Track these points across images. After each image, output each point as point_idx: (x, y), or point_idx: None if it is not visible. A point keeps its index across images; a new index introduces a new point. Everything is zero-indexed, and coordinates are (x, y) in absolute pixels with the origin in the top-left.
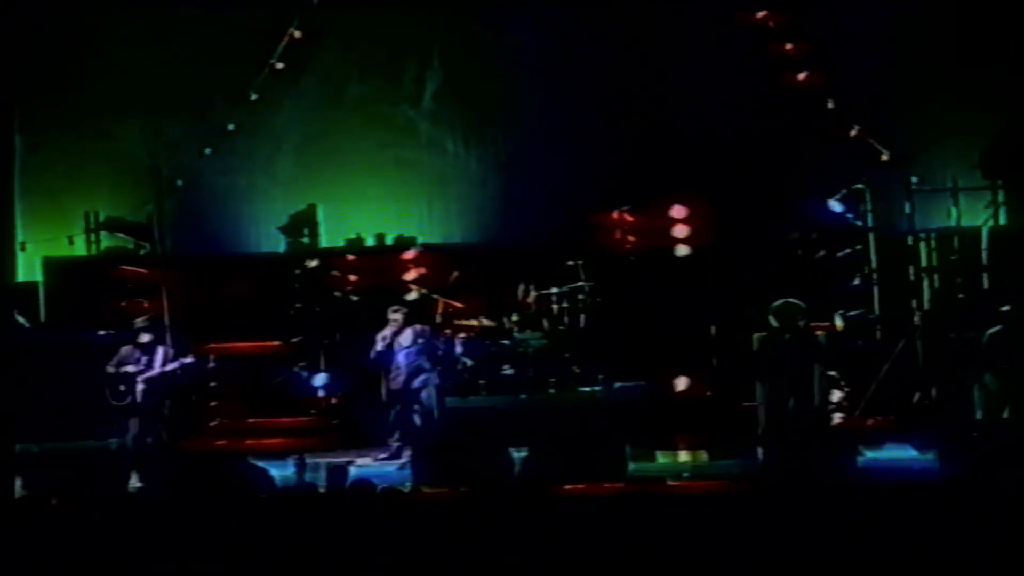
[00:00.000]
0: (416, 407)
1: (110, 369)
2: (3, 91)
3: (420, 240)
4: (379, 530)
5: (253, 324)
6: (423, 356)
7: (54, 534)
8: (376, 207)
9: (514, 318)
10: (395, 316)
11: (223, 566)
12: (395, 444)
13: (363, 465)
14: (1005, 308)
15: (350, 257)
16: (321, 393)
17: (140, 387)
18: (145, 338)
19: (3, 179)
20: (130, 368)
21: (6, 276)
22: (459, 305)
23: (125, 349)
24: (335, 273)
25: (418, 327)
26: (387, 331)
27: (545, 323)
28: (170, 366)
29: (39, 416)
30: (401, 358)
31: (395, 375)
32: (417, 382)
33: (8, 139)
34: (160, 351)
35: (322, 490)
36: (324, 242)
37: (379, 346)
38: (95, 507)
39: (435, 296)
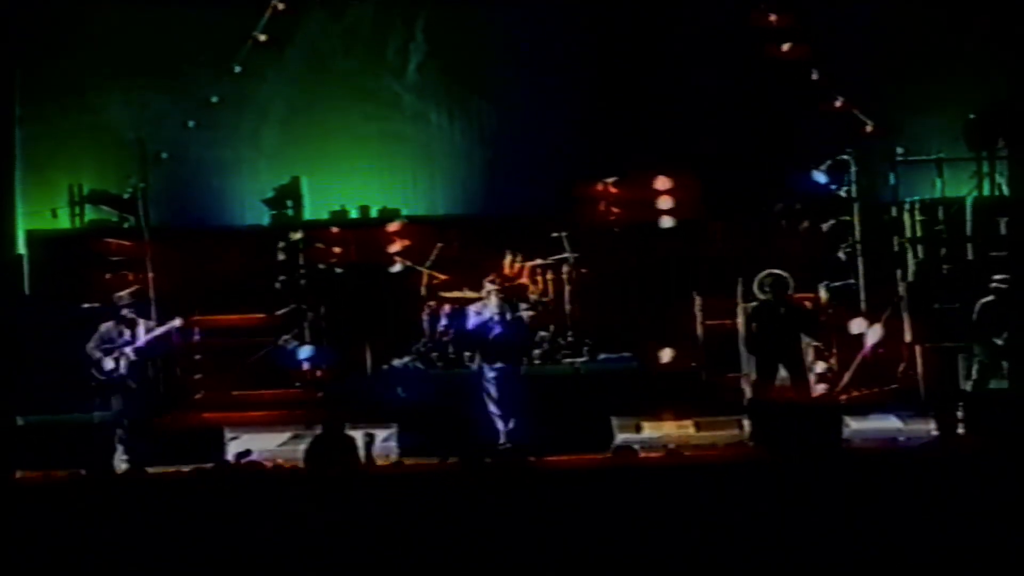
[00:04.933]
0: (502, 380)
1: (93, 344)
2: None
3: (404, 212)
4: (365, 503)
5: (238, 297)
6: (512, 330)
7: (42, 508)
8: (361, 179)
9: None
10: (490, 288)
11: (211, 542)
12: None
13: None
14: (999, 278)
15: (334, 229)
16: (306, 366)
17: (128, 360)
18: (127, 312)
19: (4, 153)
20: (116, 341)
21: (6, 249)
22: (443, 277)
23: (105, 325)
24: (319, 245)
25: (503, 299)
26: (479, 305)
27: (530, 295)
28: (158, 331)
29: (25, 390)
30: (493, 331)
31: (486, 349)
32: (505, 357)
33: (8, 112)
34: (142, 323)
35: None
36: (308, 214)
37: (473, 320)
38: (82, 481)
39: (419, 268)
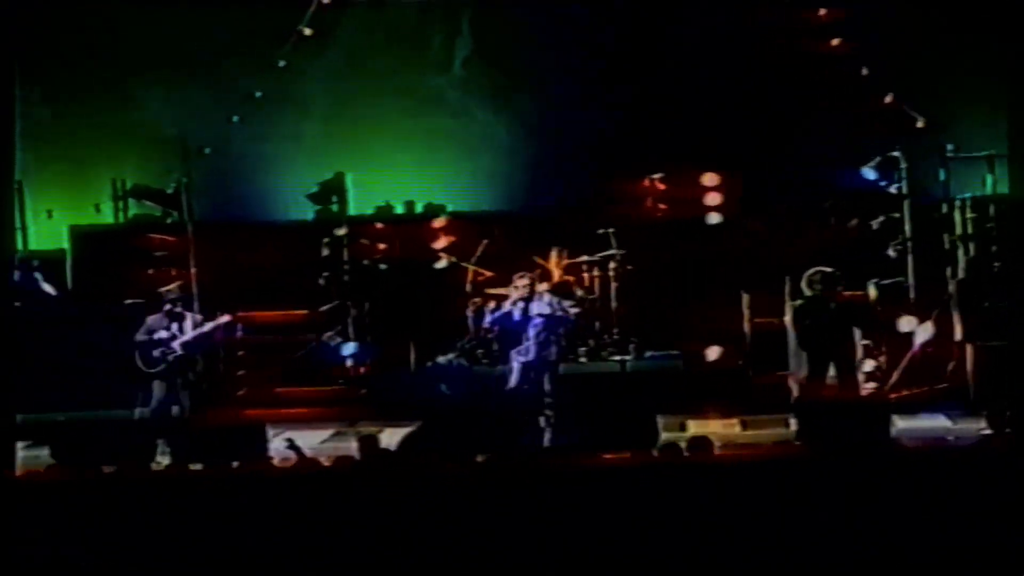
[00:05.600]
0: (546, 376)
1: (140, 337)
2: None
3: (449, 208)
4: (400, 502)
5: (281, 292)
6: (554, 326)
7: (80, 504)
8: (405, 175)
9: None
10: (522, 283)
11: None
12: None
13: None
14: None
15: (379, 225)
16: (349, 363)
17: (175, 353)
18: (172, 307)
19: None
20: (162, 335)
21: (7, 246)
22: (488, 273)
23: (152, 318)
24: (364, 241)
25: (550, 296)
26: (516, 298)
27: (577, 291)
28: (207, 326)
29: (65, 385)
30: (532, 327)
31: (525, 345)
32: (547, 353)
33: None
34: (189, 317)
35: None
36: (353, 210)
37: (515, 314)
38: (121, 477)
39: (464, 264)
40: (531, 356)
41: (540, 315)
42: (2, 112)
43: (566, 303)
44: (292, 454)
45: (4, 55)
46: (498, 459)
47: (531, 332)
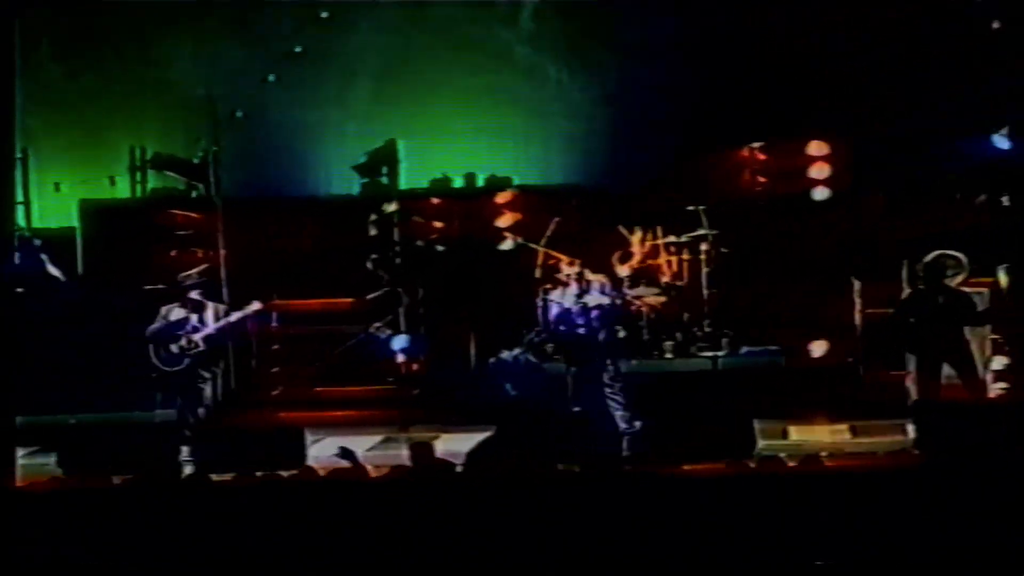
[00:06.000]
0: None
1: (156, 329)
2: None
3: (516, 181)
4: (466, 512)
5: (323, 278)
6: (608, 315)
7: (90, 520)
8: (466, 143)
9: (625, 272)
10: (571, 270)
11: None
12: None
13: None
14: None
15: (435, 200)
16: (400, 358)
17: (198, 348)
18: (194, 294)
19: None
20: (182, 327)
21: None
22: (561, 257)
23: (169, 307)
24: (417, 219)
25: (602, 282)
26: (564, 288)
27: (662, 278)
28: (234, 317)
29: (73, 383)
30: (585, 318)
31: (578, 339)
32: (604, 347)
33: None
34: (211, 308)
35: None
36: (405, 183)
37: (566, 304)
38: (139, 488)
39: (533, 246)
40: (592, 354)
41: (598, 307)
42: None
43: (630, 290)
44: (344, 462)
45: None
46: (580, 468)
47: (587, 328)
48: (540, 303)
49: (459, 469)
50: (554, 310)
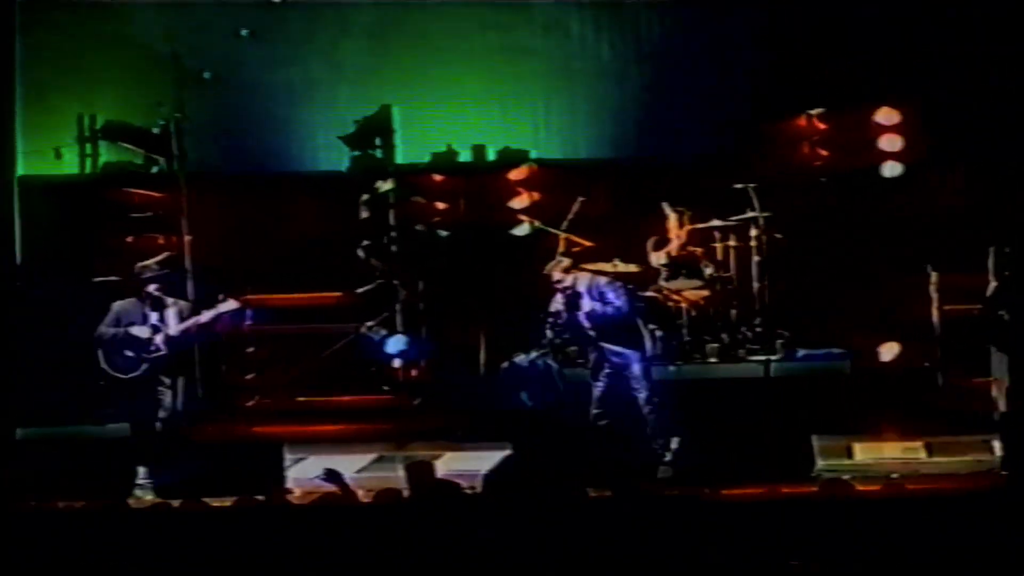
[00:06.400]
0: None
1: (106, 331)
2: None
3: (534, 155)
4: (475, 546)
5: (305, 269)
6: (641, 312)
7: (30, 552)
8: (474, 110)
9: (662, 261)
10: (562, 265)
11: None
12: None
13: None
14: None
15: (437, 177)
16: (397, 362)
17: (156, 352)
18: (153, 288)
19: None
20: (140, 328)
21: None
22: (586, 243)
23: (121, 304)
24: (417, 199)
25: (635, 273)
26: (589, 281)
27: (705, 269)
28: (205, 317)
29: (17, 393)
30: (614, 316)
31: (606, 340)
32: (636, 349)
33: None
34: (173, 305)
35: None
36: (402, 157)
37: (592, 299)
38: (85, 515)
39: (553, 231)
40: (622, 358)
41: (628, 302)
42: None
43: (668, 282)
44: (330, 486)
45: None
46: (611, 492)
47: (616, 327)
48: (561, 298)
49: (466, 493)
50: (578, 306)
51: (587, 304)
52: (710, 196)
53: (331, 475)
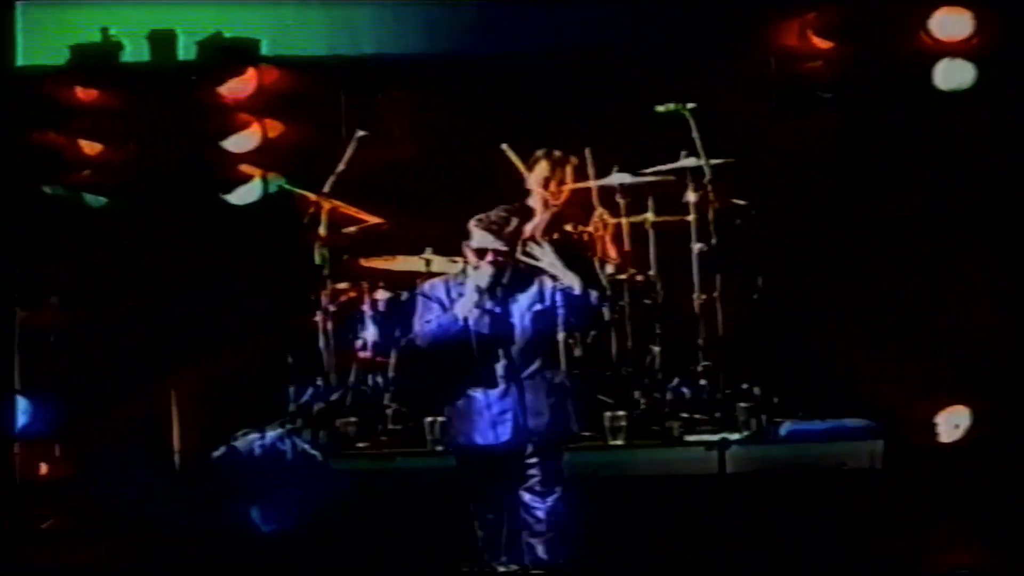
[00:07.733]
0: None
1: None
2: None
3: (266, 50)
4: None
5: None
6: (553, 323)
7: None
8: None
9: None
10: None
11: None
12: None
13: None
14: None
15: (82, 91)
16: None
17: None
18: None
19: None
20: None
21: None
22: (373, 220)
23: None
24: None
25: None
26: (473, 279)
27: (602, 268)
28: None
29: None
30: (510, 327)
31: (500, 358)
32: (543, 372)
33: None
34: None
35: None
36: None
37: (467, 305)
38: None
39: (308, 194)
40: (508, 420)
41: (521, 318)
42: None
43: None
44: None
45: None
46: None
47: (514, 335)
48: (324, 320)
49: None
50: (362, 332)
51: (395, 329)
52: (612, 128)
53: None
